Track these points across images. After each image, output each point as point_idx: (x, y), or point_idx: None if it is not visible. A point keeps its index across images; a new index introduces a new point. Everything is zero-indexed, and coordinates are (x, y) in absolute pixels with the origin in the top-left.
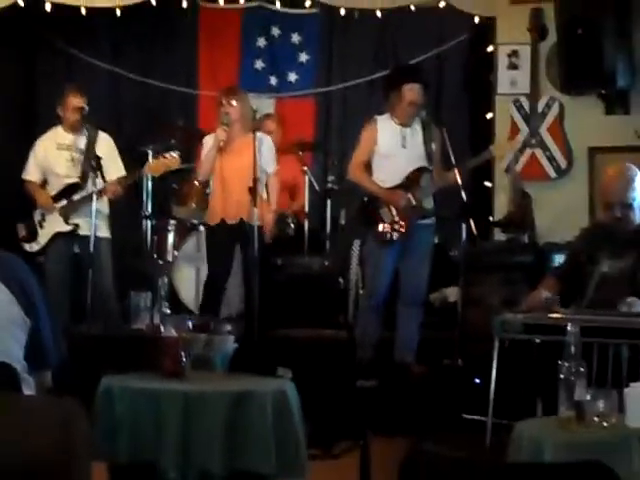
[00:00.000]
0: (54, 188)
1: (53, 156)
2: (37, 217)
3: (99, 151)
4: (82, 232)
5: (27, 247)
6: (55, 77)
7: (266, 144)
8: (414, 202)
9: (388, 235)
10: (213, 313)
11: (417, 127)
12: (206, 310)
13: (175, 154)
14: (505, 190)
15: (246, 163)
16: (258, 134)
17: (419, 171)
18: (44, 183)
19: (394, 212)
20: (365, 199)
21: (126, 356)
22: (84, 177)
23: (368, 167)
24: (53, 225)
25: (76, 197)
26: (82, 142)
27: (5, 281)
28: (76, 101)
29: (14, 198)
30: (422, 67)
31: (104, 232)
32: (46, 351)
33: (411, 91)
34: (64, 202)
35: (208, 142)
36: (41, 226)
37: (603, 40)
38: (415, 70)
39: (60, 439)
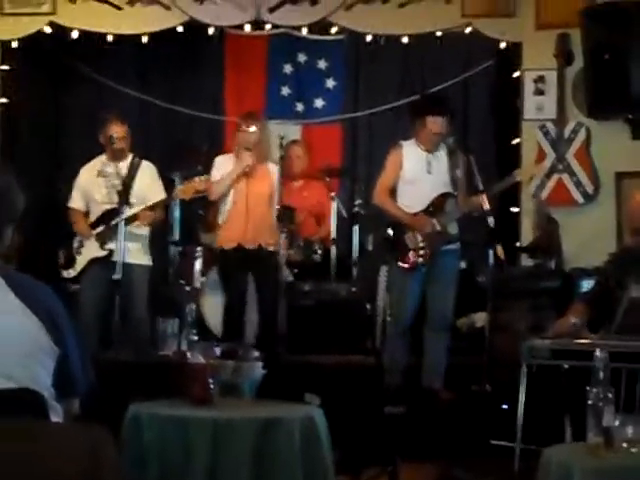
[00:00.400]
0: (94, 215)
1: (93, 183)
2: (75, 244)
3: (141, 179)
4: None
5: (64, 274)
6: (82, 104)
7: (276, 173)
8: (439, 228)
9: (413, 261)
10: (237, 339)
11: (442, 153)
12: (228, 337)
13: (204, 177)
14: (531, 215)
15: (264, 191)
16: (270, 164)
17: (444, 197)
18: (88, 211)
19: (419, 238)
20: (390, 225)
21: (154, 383)
22: (121, 204)
23: (393, 192)
24: (89, 251)
25: (112, 223)
26: (123, 170)
27: (34, 309)
28: (115, 129)
29: (55, 226)
30: (447, 96)
31: (142, 259)
32: (74, 379)
33: (434, 123)
34: (101, 228)
35: (220, 162)
36: (78, 252)
37: (630, 65)
38: (439, 101)
39: (88, 467)
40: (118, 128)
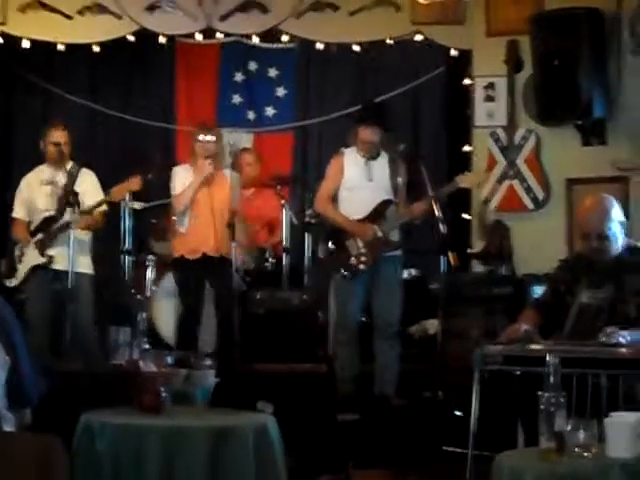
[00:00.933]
0: (34, 223)
1: (35, 192)
2: (17, 252)
3: (80, 186)
4: (61, 267)
5: (7, 282)
6: (33, 114)
7: (235, 179)
8: (380, 234)
9: (354, 267)
10: (191, 348)
11: (383, 160)
12: (183, 346)
13: (137, 176)
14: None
15: (222, 198)
16: (227, 171)
17: (385, 204)
18: (30, 221)
19: (360, 244)
20: (332, 232)
21: (106, 392)
22: (61, 211)
23: (335, 199)
24: (30, 259)
25: (52, 229)
26: (63, 177)
27: None
28: (57, 135)
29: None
30: (390, 106)
31: (85, 268)
32: (26, 389)
33: (364, 131)
34: (40, 235)
35: (180, 173)
36: (20, 261)
37: (579, 71)
38: (371, 111)
39: (40, 476)
40: (60, 133)
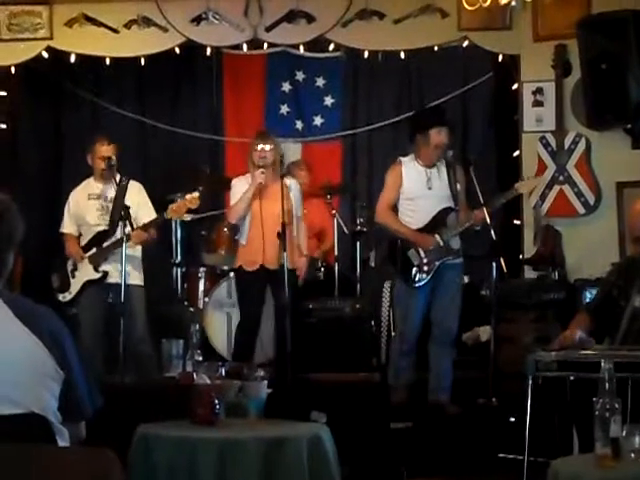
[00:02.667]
0: (86, 238)
1: (84, 206)
2: (69, 267)
3: (130, 199)
4: (114, 280)
5: (60, 297)
6: (82, 128)
7: (295, 189)
8: (441, 243)
9: (417, 277)
10: (246, 359)
11: (442, 168)
12: (239, 356)
13: (195, 194)
14: (532, 227)
15: (278, 209)
16: (287, 180)
17: (445, 212)
18: (80, 235)
19: (422, 254)
20: (393, 242)
21: (160, 405)
22: (112, 225)
23: (395, 209)
24: (84, 274)
25: (105, 244)
26: (112, 191)
27: (38, 334)
28: (104, 150)
29: (49, 251)
30: (446, 109)
31: (136, 280)
32: (80, 403)
33: (438, 135)
34: (94, 250)
35: (237, 185)
36: (73, 276)
37: (627, 74)
38: (441, 113)
39: None
40: (107, 148)
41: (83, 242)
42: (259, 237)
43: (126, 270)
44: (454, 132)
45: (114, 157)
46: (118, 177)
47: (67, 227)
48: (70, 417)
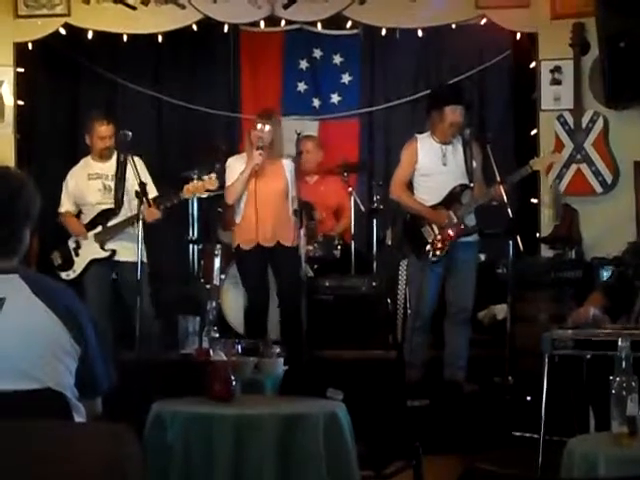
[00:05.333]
0: (87, 216)
1: (85, 187)
2: (72, 245)
3: (131, 175)
4: (120, 258)
5: (63, 275)
6: (98, 105)
7: (290, 168)
8: (456, 220)
9: (431, 254)
10: (260, 337)
11: (458, 145)
12: (252, 335)
13: (213, 176)
14: (550, 206)
15: (277, 187)
16: (284, 160)
17: (460, 188)
18: (79, 214)
19: (436, 230)
20: (407, 218)
21: (176, 381)
22: (118, 203)
23: (410, 186)
24: (89, 252)
25: (112, 223)
26: (112, 169)
27: (54, 310)
28: (103, 129)
29: (52, 229)
30: (463, 87)
31: (129, 256)
32: (96, 378)
33: (453, 113)
34: (99, 229)
35: (233, 164)
36: (76, 254)
37: None
38: (458, 91)
39: (112, 466)
40: (105, 127)
41: (85, 221)
42: (254, 216)
43: (130, 248)
44: (471, 111)
45: (112, 137)
46: (115, 155)
47: (65, 206)
48: (86, 393)
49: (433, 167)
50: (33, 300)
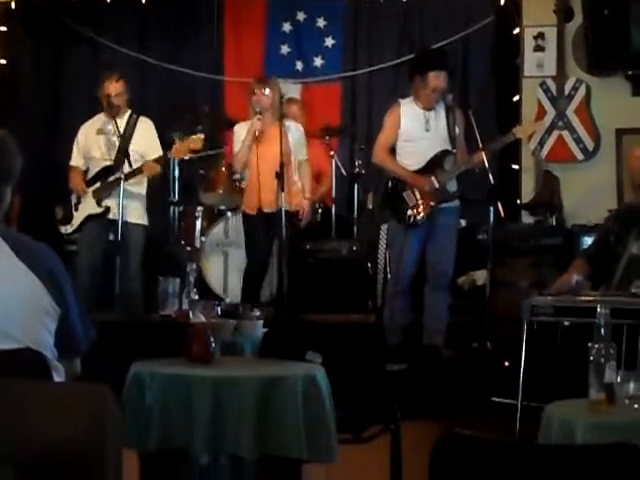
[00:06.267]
0: (92, 172)
1: (92, 141)
2: (73, 200)
3: (138, 135)
4: (116, 217)
5: (62, 229)
6: (81, 65)
7: (296, 131)
8: (437, 185)
9: (412, 218)
10: (253, 301)
11: (441, 111)
12: (246, 299)
13: (200, 135)
14: (531, 172)
15: (278, 152)
16: (287, 122)
17: (442, 154)
18: (87, 169)
19: (418, 195)
20: (389, 182)
21: (155, 342)
22: (117, 160)
23: (393, 151)
24: (86, 208)
25: (110, 179)
26: (121, 126)
27: (35, 270)
28: (112, 87)
29: (50, 184)
30: (447, 52)
31: (139, 218)
32: (76, 339)
33: (436, 78)
34: (97, 185)
35: (239, 131)
36: (76, 209)
37: (629, 21)
38: (441, 56)
39: (91, 426)
40: (114, 85)
41: (89, 176)
42: (255, 181)
43: (129, 208)
44: (454, 76)
45: (122, 94)
46: (128, 113)
47: (75, 160)
48: (66, 353)
49: (416, 132)
50: (14, 261)
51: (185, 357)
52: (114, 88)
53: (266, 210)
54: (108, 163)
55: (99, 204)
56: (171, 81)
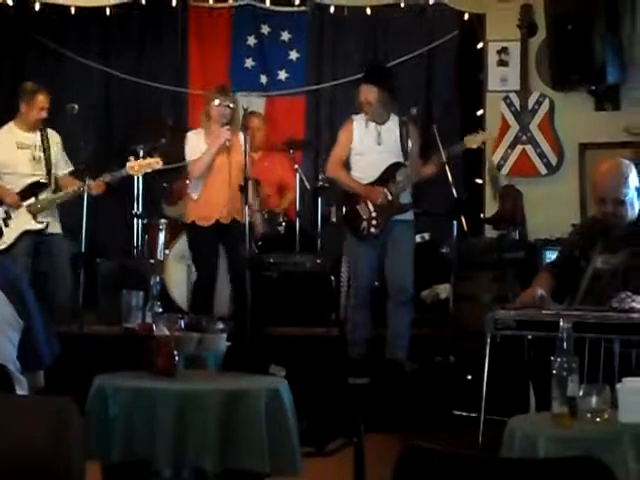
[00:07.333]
0: (16, 186)
1: (14, 156)
2: (1, 215)
3: (53, 149)
4: (50, 230)
5: None
6: (44, 77)
7: (247, 144)
8: (390, 197)
9: (365, 230)
10: (205, 313)
11: (393, 124)
12: (198, 311)
13: (158, 159)
14: (488, 184)
15: (238, 162)
16: (241, 135)
17: (394, 166)
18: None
19: (371, 207)
20: (344, 196)
21: (119, 355)
22: (49, 176)
23: (347, 165)
24: (21, 223)
25: (48, 195)
26: (38, 140)
27: None
28: (46, 101)
29: None
30: (390, 71)
31: (58, 229)
32: (39, 351)
33: (365, 92)
34: (32, 200)
35: (193, 139)
36: (6, 224)
37: (592, 36)
38: (378, 72)
39: (55, 438)
40: (46, 99)
41: (15, 190)
42: (223, 191)
43: (51, 221)
44: (394, 95)
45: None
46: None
47: None
48: (29, 366)
49: (368, 146)
50: None
51: (149, 370)
52: (47, 102)
53: (223, 222)
54: (36, 179)
55: (36, 220)
56: (134, 93)
